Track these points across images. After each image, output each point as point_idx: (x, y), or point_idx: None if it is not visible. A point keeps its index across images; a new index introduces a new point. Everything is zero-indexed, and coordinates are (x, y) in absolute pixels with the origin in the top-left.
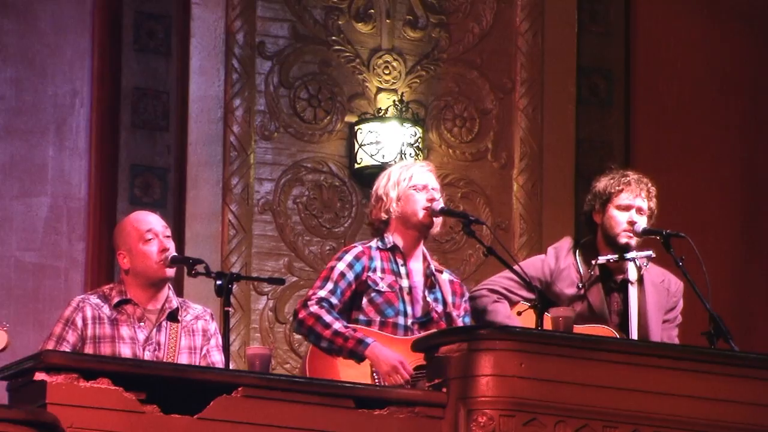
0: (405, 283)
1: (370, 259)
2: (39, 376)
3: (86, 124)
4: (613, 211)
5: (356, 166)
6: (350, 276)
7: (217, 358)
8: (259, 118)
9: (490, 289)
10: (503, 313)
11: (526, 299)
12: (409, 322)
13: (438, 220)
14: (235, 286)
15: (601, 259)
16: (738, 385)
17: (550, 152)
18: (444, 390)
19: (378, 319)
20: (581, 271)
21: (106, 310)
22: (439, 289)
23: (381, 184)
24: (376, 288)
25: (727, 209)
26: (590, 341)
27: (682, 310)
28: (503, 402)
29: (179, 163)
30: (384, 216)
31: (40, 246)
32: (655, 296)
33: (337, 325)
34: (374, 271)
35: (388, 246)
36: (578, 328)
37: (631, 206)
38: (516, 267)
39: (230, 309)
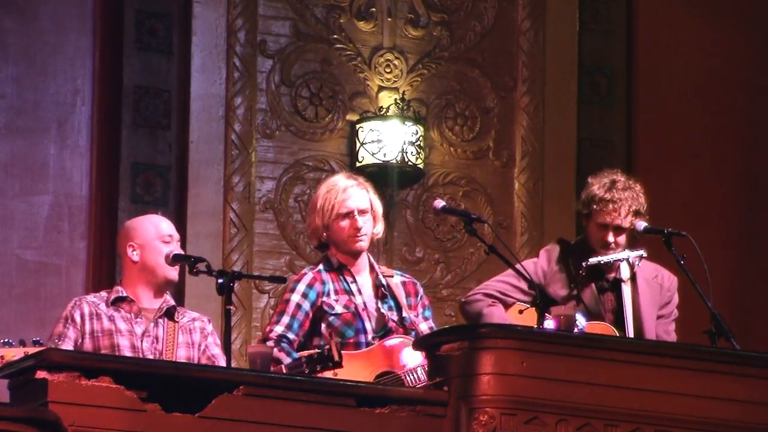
0: (359, 299)
1: (323, 283)
2: (40, 374)
3: (87, 122)
4: (592, 227)
5: (358, 164)
6: (306, 306)
7: (216, 351)
8: (260, 117)
9: (484, 293)
10: (498, 316)
11: (521, 301)
12: (370, 337)
13: (368, 240)
14: (236, 285)
15: (592, 261)
16: (739, 383)
17: (552, 151)
18: (445, 388)
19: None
20: (573, 271)
21: (103, 307)
22: (391, 296)
23: (309, 208)
24: (333, 312)
25: (728, 207)
26: (592, 340)
27: (679, 306)
28: (504, 401)
29: (180, 161)
30: (318, 239)
31: (41, 244)
32: (649, 293)
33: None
34: (328, 295)
35: (335, 266)
36: None
37: (608, 226)
38: (518, 266)
39: (231, 307)
